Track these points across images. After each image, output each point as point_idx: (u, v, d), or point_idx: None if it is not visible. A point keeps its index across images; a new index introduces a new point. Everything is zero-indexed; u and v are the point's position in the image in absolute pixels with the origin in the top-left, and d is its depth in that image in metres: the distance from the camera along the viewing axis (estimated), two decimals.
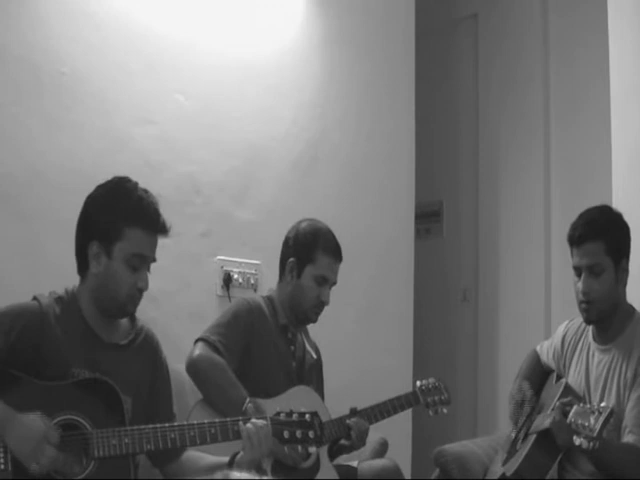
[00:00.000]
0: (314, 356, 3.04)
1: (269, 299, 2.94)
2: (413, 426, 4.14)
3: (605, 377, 2.62)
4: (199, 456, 2.33)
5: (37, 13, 3.09)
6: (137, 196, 2.24)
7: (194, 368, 2.66)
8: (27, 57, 3.05)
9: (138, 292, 2.24)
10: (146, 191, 2.27)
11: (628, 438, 2.47)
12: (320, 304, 2.91)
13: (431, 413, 3.04)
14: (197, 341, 2.72)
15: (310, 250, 2.88)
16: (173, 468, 2.31)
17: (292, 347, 2.94)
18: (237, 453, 2.21)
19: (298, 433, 2.21)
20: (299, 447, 2.24)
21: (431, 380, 3.05)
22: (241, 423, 2.20)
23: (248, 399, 2.55)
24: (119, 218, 2.20)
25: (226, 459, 2.22)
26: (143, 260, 2.24)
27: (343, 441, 2.83)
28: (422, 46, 4.48)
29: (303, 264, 2.88)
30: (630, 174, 3.53)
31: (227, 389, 2.60)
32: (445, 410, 3.03)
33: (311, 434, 2.21)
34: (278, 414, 2.24)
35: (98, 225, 2.21)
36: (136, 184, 2.28)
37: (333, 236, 2.95)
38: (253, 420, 2.21)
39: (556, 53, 4.61)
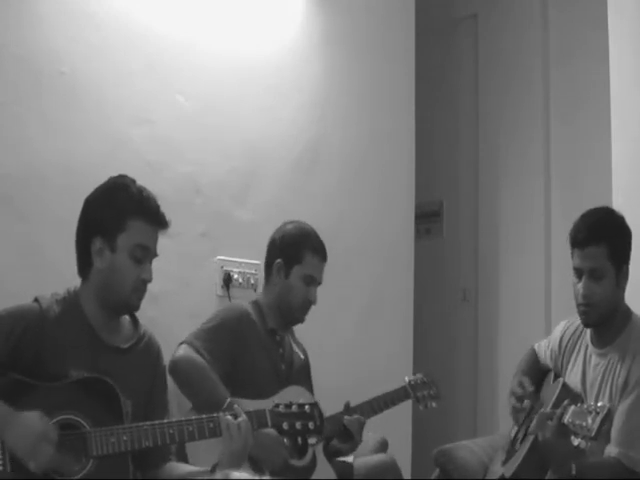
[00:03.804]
0: (302, 357, 3.06)
1: (256, 304, 2.96)
2: (413, 426, 4.14)
3: (600, 381, 2.61)
4: (178, 465, 2.31)
5: (37, 13, 3.09)
6: (136, 188, 2.27)
7: (175, 368, 2.65)
8: (27, 57, 3.05)
9: (142, 284, 2.25)
10: (144, 187, 2.30)
11: (610, 449, 2.47)
12: (307, 303, 2.93)
13: (421, 407, 3.10)
14: (181, 344, 2.72)
15: (298, 250, 2.91)
16: (154, 474, 2.29)
17: (281, 350, 2.94)
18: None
19: (298, 424, 2.20)
20: (299, 438, 2.22)
21: (420, 375, 3.11)
22: (221, 414, 2.18)
23: (229, 399, 2.54)
24: (121, 210, 2.22)
25: (207, 468, 2.19)
26: (146, 252, 2.25)
27: (339, 444, 2.84)
28: (422, 46, 4.47)
29: (291, 264, 2.91)
30: (630, 174, 3.53)
31: (207, 390, 2.60)
32: (435, 404, 3.08)
33: (311, 425, 2.20)
34: (277, 406, 2.22)
35: (100, 220, 2.22)
36: (133, 180, 2.30)
37: (318, 236, 2.98)
38: (240, 417, 2.19)
39: (556, 53, 4.61)
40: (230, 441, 2.14)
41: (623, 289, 2.64)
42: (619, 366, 2.57)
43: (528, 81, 4.70)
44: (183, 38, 3.49)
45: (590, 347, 2.70)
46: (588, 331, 2.73)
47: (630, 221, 2.69)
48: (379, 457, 3.03)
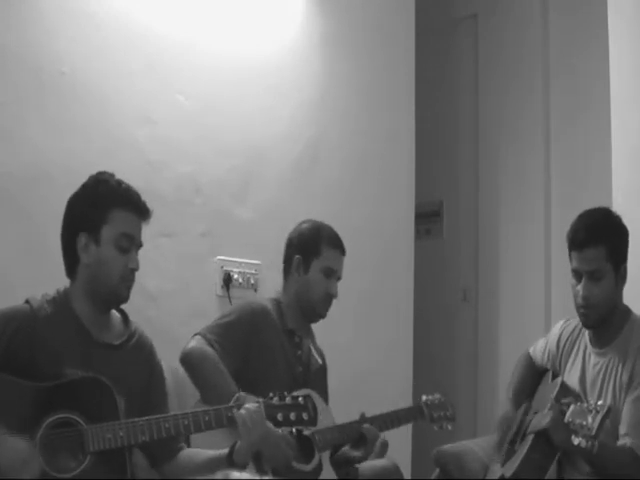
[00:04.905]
0: (319, 361, 3.03)
1: (276, 302, 2.94)
2: (413, 426, 4.13)
3: (601, 380, 2.61)
4: (196, 452, 2.32)
5: (37, 13, 3.09)
6: (115, 181, 2.30)
7: (187, 358, 2.67)
8: (27, 57, 3.05)
9: (130, 273, 2.27)
10: (122, 180, 2.32)
11: (624, 440, 2.47)
12: (328, 297, 2.91)
13: (436, 428, 3.06)
14: (194, 336, 2.73)
15: (315, 244, 2.91)
16: (170, 467, 2.30)
17: (299, 352, 2.92)
18: (237, 442, 2.20)
19: (292, 415, 2.21)
20: (293, 430, 2.23)
21: (437, 395, 3.08)
22: (235, 409, 2.20)
23: (237, 394, 2.54)
24: (102, 203, 2.25)
25: (224, 451, 2.21)
26: (131, 241, 2.27)
27: (351, 451, 2.83)
28: (422, 46, 4.47)
29: (309, 259, 2.90)
30: (630, 175, 3.53)
31: (217, 382, 2.60)
32: (450, 426, 3.05)
33: (305, 416, 2.21)
34: (271, 398, 2.24)
35: (83, 216, 2.25)
36: (112, 174, 2.33)
37: (335, 231, 2.98)
38: (246, 405, 2.21)
39: (556, 53, 4.61)
40: (248, 435, 2.17)
41: (621, 288, 2.65)
42: (620, 364, 2.57)
43: (528, 81, 4.70)
44: (183, 38, 3.50)
45: (589, 347, 2.70)
46: (587, 331, 2.73)
47: (630, 221, 2.69)
48: (383, 463, 3.01)
